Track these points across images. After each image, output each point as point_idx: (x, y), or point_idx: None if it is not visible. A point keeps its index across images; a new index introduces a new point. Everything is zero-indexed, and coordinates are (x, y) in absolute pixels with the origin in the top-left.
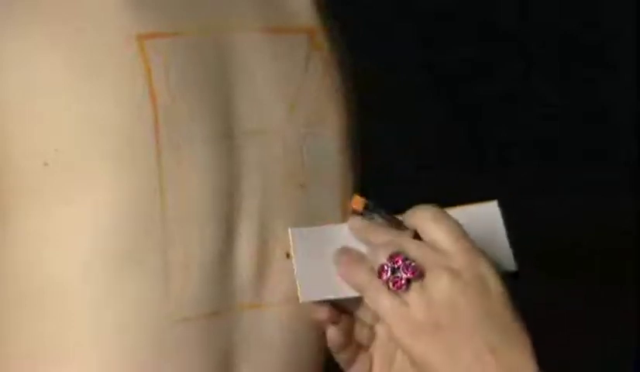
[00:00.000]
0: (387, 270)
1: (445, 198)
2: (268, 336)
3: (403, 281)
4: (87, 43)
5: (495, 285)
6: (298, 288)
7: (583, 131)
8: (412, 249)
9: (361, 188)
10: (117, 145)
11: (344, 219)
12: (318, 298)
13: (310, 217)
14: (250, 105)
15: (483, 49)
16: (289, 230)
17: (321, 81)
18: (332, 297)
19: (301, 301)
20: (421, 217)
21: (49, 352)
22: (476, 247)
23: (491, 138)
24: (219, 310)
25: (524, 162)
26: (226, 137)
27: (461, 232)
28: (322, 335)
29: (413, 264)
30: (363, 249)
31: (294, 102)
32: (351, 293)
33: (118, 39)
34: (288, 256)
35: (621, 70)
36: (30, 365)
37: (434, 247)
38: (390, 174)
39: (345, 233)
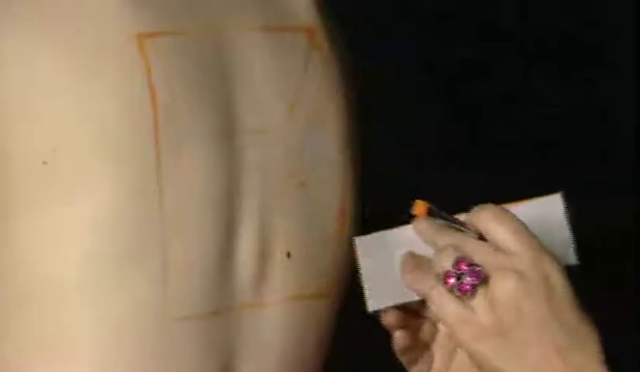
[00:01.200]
0: (453, 277)
1: (445, 197)
2: (268, 336)
3: (468, 287)
4: (87, 43)
5: (561, 285)
6: (366, 298)
7: (583, 131)
8: (476, 252)
9: (362, 189)
10: (116, 144)
11: (343, 219)
12: (385, 306)
13: (310, 216)
14: (250, 104)
15: (483, 49)
16: (354, 239)
17: (321, 81)
18: (399, 302)
19: (369, 310)
20: (484, 217)
21: (49, 351)
22: (541, 246)
23: (491, 138)
24: (219, 309)
25: (524, 162)
26: (226, 137)
27: (525, 231)
28: (322, 335)
29: (477, 269)
30: (425, 251)
31: (294, 102)
32: (417, 296)
33: (119, 39)
34: (289, 255)
35: (621, 70)
36: (29, 364)
37: (498, 248)
38: (390, 174)
39: (408, 236)
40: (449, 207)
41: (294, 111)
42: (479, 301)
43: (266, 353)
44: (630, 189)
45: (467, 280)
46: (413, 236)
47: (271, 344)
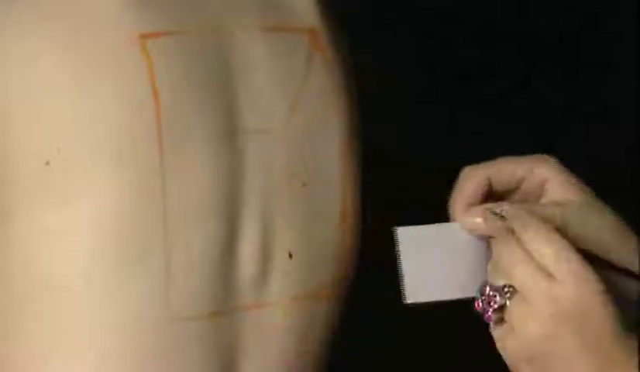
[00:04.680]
0: (480, 304)
1: (445, 196)
2: (270, 335)
3: (489, 316)
4: (89, 43)
5: (601, 318)
6: (405, 291)
7: (583, 131)
8: (521, 275)
9: (363, 189)
10: (119, 145)
11: (345, 219)
12: (424, 300)
13: (311, 216)
14: (252, 104)
15: (484, 49)
16: (396, 229)
17: (323, 82)
18: (439, 299)
19: (407, 302)
20: (530, 230)
21: (50, 352)
22: (586, 273)
23: (491, 137)
24: (221, 310)
25: None
26: (228, 137)
27: (571, 256)
28: (324, 335)
29: (493, 296)
30: (468, 251)
31: (295, 102)
32: (459, 294)
33: (120, 39)
34: (290, 256)
35: (621, 70)
36: (30, 364)
37: (542, 272)
38: (390, 174)
39: (451, 233)
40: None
41: (296, 112)
42: (509, 329)
43: (267, 354)
44: (630, 189)
45: (488, 312)
46: (456, 234)
47: (273, 344)
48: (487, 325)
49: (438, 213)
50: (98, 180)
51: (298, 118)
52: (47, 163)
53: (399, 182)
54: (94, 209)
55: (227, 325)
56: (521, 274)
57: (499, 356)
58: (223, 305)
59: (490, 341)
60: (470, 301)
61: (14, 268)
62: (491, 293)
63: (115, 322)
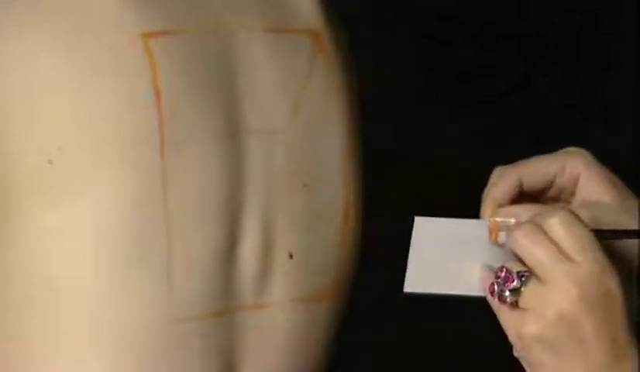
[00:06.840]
0: (495, 285)
1: (446, 197)
2: (270, 336)
3: (506, 296)
4: (89, 43)
5: (619, 302)
6: (406, 278)
7: (583, 131)
8: (542, 259)
9: (363, 190)
10: (121, 144)
11: (346, 220)
12: (422, 291)
13: (312, 218)
14: (254, 104)
15: (484, 49)
16: (415, 218)
17: (325, 82)
18: (438, 292)
19: (405, 290)
20: (554, 219)
21: (50, 351)
22: (605, 258)
23: (492, 138)
24: (222, 310)
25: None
26: (231, 136)
27: (591, 241)
28: (324, 336)
29: (508, 276)
30: (486, 249)
31: (297, 102)
32: (460, 291)
33: (121, 39)
34: (291, 256)
35: (621, 70)
36: (30, 364)
37: (564, 255)
38: (390, 173)
39: (467, 231)
40: (450, 208)
41: (298, 112)
42: (530, 310)
43: (268, 354)
44: (630, 189)
45: (504, 293)
46: (472, 232)
47: (274, 344)
48: (488, 325)
49: (438, 212)
50: (99, 180)
51: (300, 119)
52: (50, 162)
53: (399, 182)
54: (95, 209)
55: (227, 326)
56: (544, 256)
57: (498, 356)
58: (224, 306)
59: (489, 341)
60: (471, 300)
61: (14, 268)
62: (507, 275)
63: (116, 322)
